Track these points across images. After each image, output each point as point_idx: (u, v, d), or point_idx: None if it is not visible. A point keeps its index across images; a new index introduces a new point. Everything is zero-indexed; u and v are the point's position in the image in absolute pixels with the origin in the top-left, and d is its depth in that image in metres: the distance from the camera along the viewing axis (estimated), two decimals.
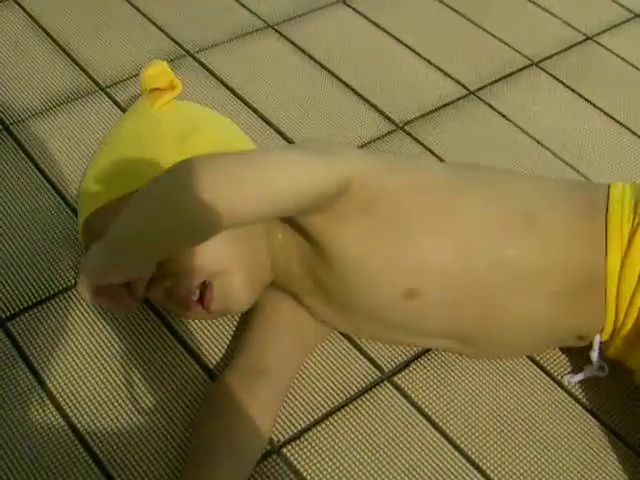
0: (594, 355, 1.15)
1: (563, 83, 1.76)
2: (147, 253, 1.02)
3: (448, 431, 1.16)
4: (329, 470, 1.11)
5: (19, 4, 1.81)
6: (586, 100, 1.72)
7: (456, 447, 1.14)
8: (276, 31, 1.81)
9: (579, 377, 1.21)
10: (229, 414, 1.11)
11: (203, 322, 1.25)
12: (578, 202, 1.13)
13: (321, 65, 1.73)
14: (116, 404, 1.15)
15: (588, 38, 1.89)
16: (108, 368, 1.19)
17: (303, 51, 1.76)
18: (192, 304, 1.13)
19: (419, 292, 1.08)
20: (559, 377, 1.23)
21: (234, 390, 1.12)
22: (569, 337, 1.16)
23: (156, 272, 1.07)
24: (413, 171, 1.14)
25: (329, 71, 1.72)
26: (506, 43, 1.84)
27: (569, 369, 1.25)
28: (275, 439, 1.13)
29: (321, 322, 1.21)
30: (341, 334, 1.25)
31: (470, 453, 1.14)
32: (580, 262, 1.09)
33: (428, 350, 1.25)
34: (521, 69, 1.78)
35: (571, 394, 1.21)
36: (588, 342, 1.15)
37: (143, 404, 1.16)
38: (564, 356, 1.26)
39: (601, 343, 1.14)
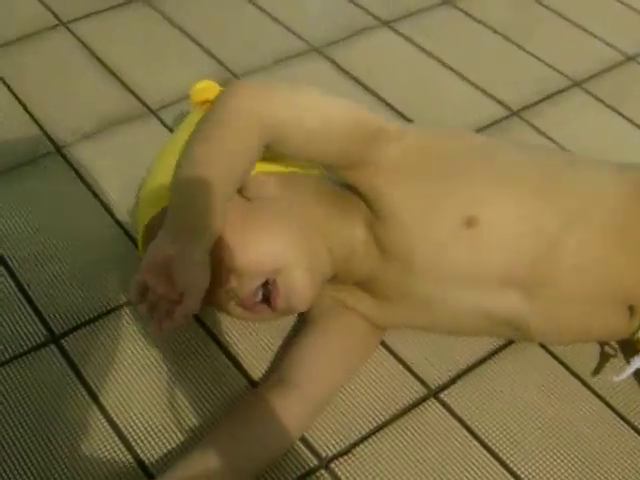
0: None
1: (604, 103, 1.77)
2: (207, 189, 1.06)
3: (494, 448, 1.17)
4: None
5: (70, 30, 1.86)
6: (628, 120, 1.73)
7: (503, 464, 1.15)
8: (320, 54, 1.84)
9: (627, 372, 1.18)
10: (250, 410, 1.14)
11: (252, 338, 1.27)
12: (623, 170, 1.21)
13: (365, 87, 1.75)
14: (166, 417, 1.18)
15: (629, 58, 1.90)
16: (159, 383, 1.22)
17: (347, 73, 1.79)
18: (255, 305, 1.15)
19: (477, 219, 1.12)
20: (606, 396, 1.24)
21: (263, 396, 1.15)
22: (621, 303, 1.16)
23: (218, 275, 1.09)
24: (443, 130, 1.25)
25: (373, 93, 1.74)
26: (548, 64, 1.85)
27: (616, 388, 1.24)
28: (323, 454, 1.15)
29: (377, 323, 1.23)
30: (389, 352, 1.27)
31: (516, 469, 1.14)
32: (630, 210, 1.15)
33: (474, 367, 1.26)
34: (563, 90, 1.80)
35: (618, 412, 1.22)
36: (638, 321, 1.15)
37: (191, 418, 1.18)
38: (610, 373, 1.25)
39: None
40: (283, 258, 1.14)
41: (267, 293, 1.14)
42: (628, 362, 1.18)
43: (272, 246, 1.14)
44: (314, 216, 1.18)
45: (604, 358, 1.28)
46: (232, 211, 1.11)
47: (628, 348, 1.24)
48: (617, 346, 1.29)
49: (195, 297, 1.05)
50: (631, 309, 1.16)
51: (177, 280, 1.04)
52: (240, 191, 1.15)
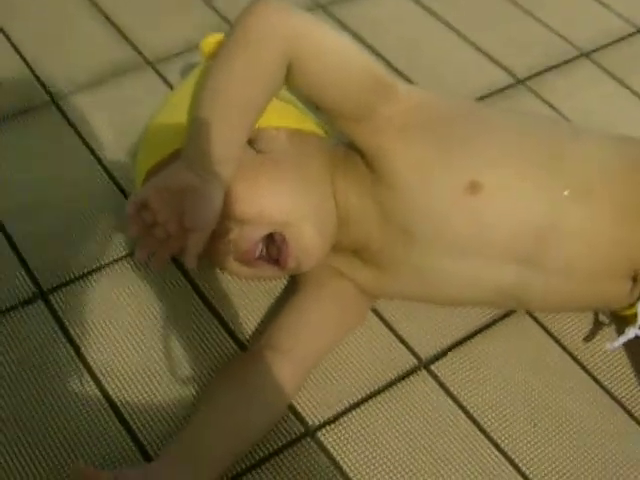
0: None
1: (612, 75, 1.74)
2: (230, 121, 1.06)
3: (482, 422, 1.16)
4: (362, 455, 1.11)
5: None
6: (634, 93, 1.70)
7: (489, 438, 1.14)
8: (326, 12, 1.81)
9: (620, 341, 1.17)
10: (240, 375, 1.12)
11: (241, 299, 1.26)
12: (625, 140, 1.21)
13: (370, 47, 1.72)
14: (152, 376, 1.17)
15: (639, 30, 1.86)
16: (146, 342, 1.20)
17: (353, 33, 1.76)
18: (255, 260, 1.12)
19: (481, 184, 1.10)
20: (597, 374, 1.22)
21: (252, 360, 1.14)
22: (625, 269, 1.13)
23: (220, 225, 1.06)
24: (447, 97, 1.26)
25: (375, 52, 1.71)
26: (557, 33, 1.82)
27: (607, 362, 1.24)
28: (310, 422, 1.14)
29: (371, 293, 1.22)
30: (381, 320, 1.25)
31: (502, 445, 1.14)
32: (634, 183, 1.13)
33: (465, 339, 1.24)
34: (571, 59, 1.76)
35: (607, 390, 1.21)
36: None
37: (178, 377, 1.17)
38: (601, 351, 1.24)
39: None
40: (293, 211, 1.12)
41: (270, 250, 1.12)
42: (622, 333, 1.17)
43: (282, 198, 1.12)
44: (321, 174, 1.16)
45: (597, 327, 1.27)
46: (243, 161, 1.09)
47: (621, 320, 1.23)
48: (610, 317, 1.27)
49: (201, 239, 1.03)
50: (634, 279, 1.14)
51: (188, 216, 1.02)
52: (250, 143, 1.13)
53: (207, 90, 1.08)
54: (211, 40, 1.25)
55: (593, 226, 1.12)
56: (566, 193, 1.11)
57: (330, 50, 1.10)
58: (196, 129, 1.07)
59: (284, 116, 1.20)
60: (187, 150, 1.07)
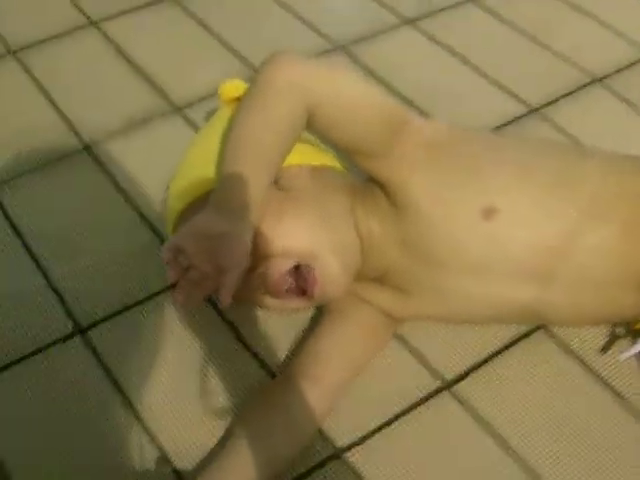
0: None
1: (627, 101, 1.77)
2: (255, 165, 1.11)
3: (505, 439, 1.18)
4: (389, 476, 1.14)
5: (100, 29, 1.89)
6: None
7: (513, 455, 1.17)
8: (345, 52, 1.86)
9: (632, 350, 1.21)
10: (270, 407, 1.17)
11: (271, 332, 1.31)
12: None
13: (387, 85, 1.77)
14: (188, 407, 1.21)
15: None
16: (182, 374, 1.25)
17: (370, 72, 1.80)
18: (284, 292, 1.16)
19: (496, 209, 1.15)
20: (615, 387, 1.25)
21: (283, 388, 1.18)
22: (635, 280, 1.16)
23: (249, 263, 1.09)
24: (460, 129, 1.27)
25: (394, 91, 1.76)
26: (569, 60, 1.85)
27: (627, 377, 1.26)
28: (337, 444, 1.17)
29: (393, 316, 1.26)
30: (403, 344, 1.29)
31: (529, 463, 1.16)
32: None
33: (486, 360, 1.28)
34: (584, 86, 1.80)
35: (627, 405, 1.23)
36: None
37: (212, 407, 1.21)
38: (620, 366, 1.27)
39: None
40: (317, 244, 1.16)
41: (299, 281, 1.16)
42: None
43: (306, 232, 1.17)
44: (342, 206, 1.22)
45: (613, 341, 1.30)
46: (268, 199, 1.14)
47: (636, 333, 1.26)
48: (626, 331, 1.31)
49: (235, 278, 1.06)
50: None
51: (222, 258, 1.06)
52: (274, 181, 1.18)
53: (231, 141, 1.14)
54: (228, 85, 1.32)
55: (603, 243, 1.16)
56: (576, 215, 1.16)
57: (345, 97, 1.16)
58: (223, 178, 1.12)
59: (304, 153, 1.25)
60: (216, 197, 1.12)
